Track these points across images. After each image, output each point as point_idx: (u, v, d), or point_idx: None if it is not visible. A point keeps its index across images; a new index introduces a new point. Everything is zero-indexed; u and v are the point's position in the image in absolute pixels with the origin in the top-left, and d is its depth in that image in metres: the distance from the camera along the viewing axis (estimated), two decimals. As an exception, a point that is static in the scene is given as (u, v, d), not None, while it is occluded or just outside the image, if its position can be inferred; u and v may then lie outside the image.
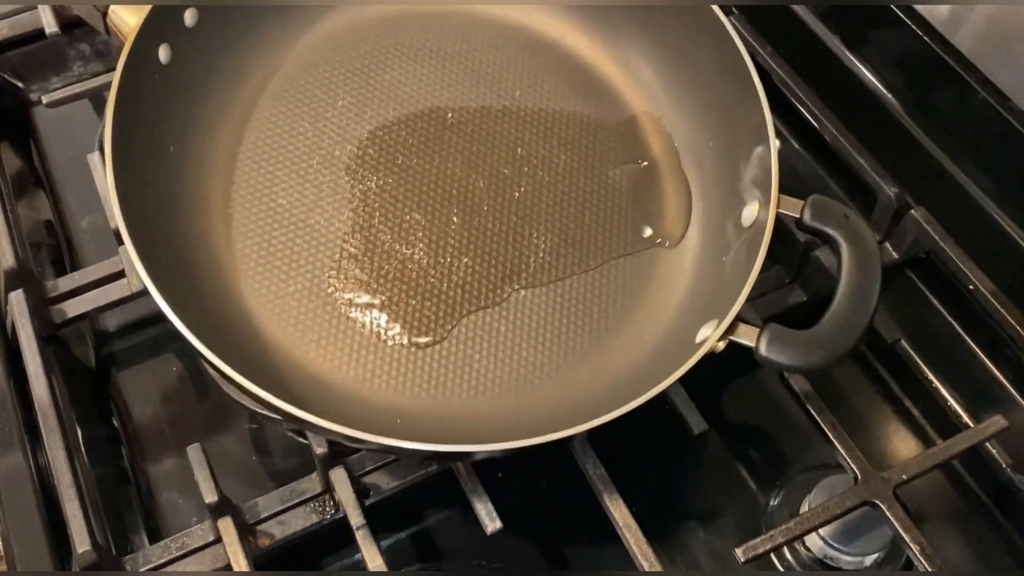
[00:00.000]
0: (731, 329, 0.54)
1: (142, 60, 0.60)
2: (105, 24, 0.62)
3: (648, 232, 0.65)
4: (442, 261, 0.62)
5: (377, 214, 0.63)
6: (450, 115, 0.68)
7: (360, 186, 0.65)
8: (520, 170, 0.66)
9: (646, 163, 0.67)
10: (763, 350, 0.53)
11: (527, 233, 0.64)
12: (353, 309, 0.60)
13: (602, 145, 0.67)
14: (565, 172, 0.66)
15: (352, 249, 0.62)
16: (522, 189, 0.65)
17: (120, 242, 0.59)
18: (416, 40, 0.71)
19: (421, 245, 0.63)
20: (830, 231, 0.56)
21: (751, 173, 0.60)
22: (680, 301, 0.62)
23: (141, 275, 0.52)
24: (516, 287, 0.62)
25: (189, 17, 0.64)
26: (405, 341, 0.59)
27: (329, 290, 0.61)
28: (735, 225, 0.60)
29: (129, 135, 0.58)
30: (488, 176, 0.65)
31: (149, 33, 0.61)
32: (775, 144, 0.58)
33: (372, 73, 0.69)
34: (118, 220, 0.54)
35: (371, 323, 0.60)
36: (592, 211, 0.65)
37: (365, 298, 0.61)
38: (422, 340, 0.60)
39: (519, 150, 0.67)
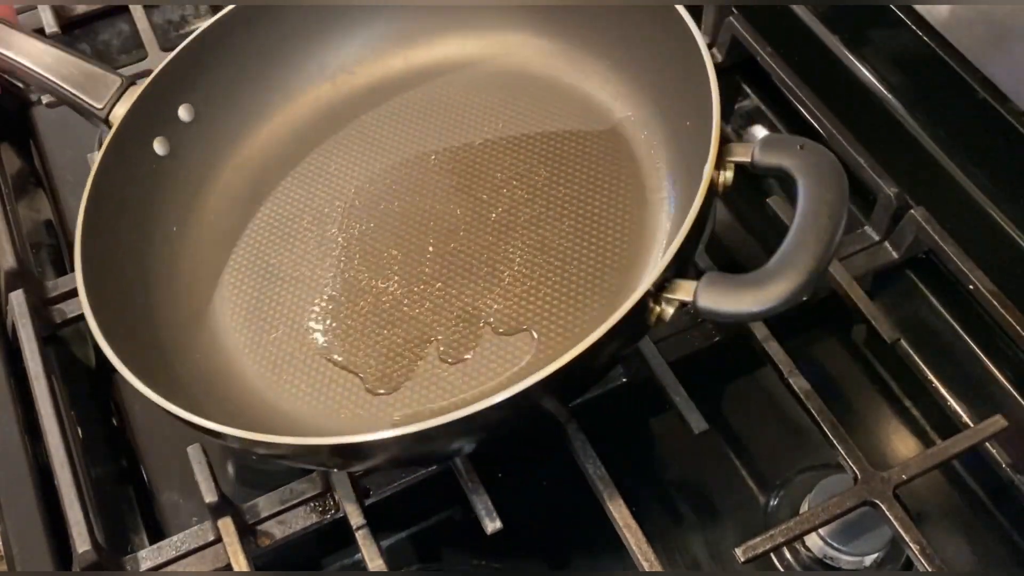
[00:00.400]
0: (668, 286, 0.49)
1: (130, 153, 0.64)
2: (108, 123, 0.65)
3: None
4: (416, 289, 0.63)
5: (357, 256, 0.66)
6: (433, 158, 0.70)
7: (344, 234, 0.67)
8: (499, 192, 0.67)
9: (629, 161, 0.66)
10: (700, 301, 0.48)
11: (502, 249, 0.64)
12: (327, 347, 0.62)
13: (583, 155, 0.67)
14: (544, 186, 0.66)
15: (332, 292, 0.64)
16: (499, 210, 0.66)
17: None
18: (404, 99, 0.73)
19: (396, 278, 0.64)
20: (783, 164, 0.51)
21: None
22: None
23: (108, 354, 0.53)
24: (489, 302, 0.62)
25: (184, 113, 0.68)
26: (371, 383, 0.60)
27: (308, 333, 0.63)
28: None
29: (119, 223, 0.62)
30: (466, 204, 0.66)
31: (137, 128, 0.65)
32: (717, 100, 0.55)
33: (361, 135, 0.72)
34: (86, 309, 0.56)
35: (343, 359, 0.61)
36: (571, 218, 0.64)
37: (339, 335, 0.62)
38: (381, 391, 0.60)
39: (498, 175, 0.67)
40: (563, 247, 0.63)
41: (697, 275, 0.49)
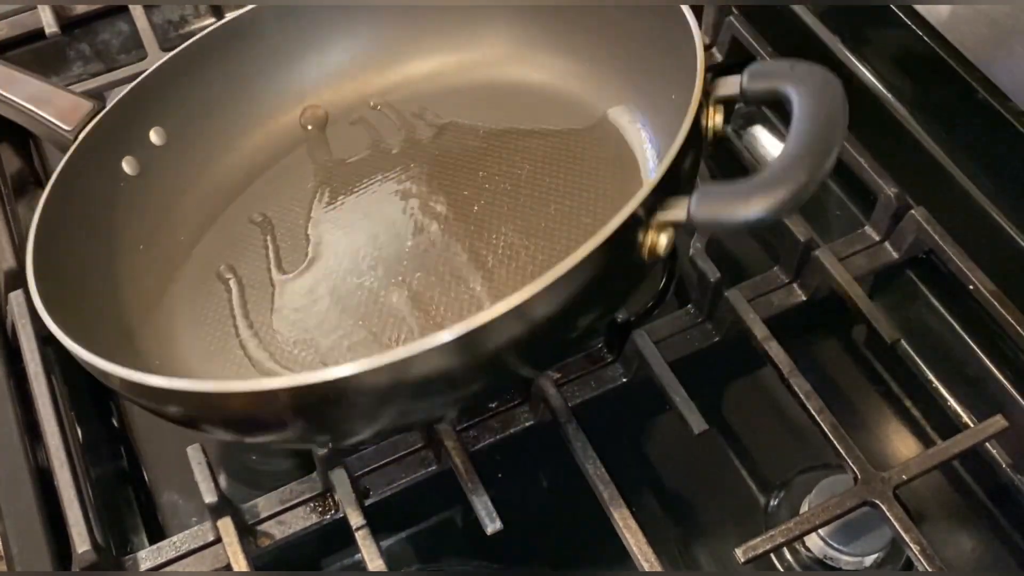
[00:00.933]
0: (660, 207, 0.46)
1: (93, 170, 0.63)
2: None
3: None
4: (393, 281, 0.61)
5: (331, 252, 0.64)
6: (412, 165, 0.69)
7: (316, 230, 0.66)
8: (481, 188, 0.65)
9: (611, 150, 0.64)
10: (696, 214, 0.45)
11: (485, 237, 0.62)
12: (300, 345, 0.60)
13: (570, 150, 0.66)
14: (528, 179, 0.65)
15: (305, 289, 0.63)
16: (482, 203, 0.64)
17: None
18: (379, 115, 0.72)
19: (373, 272, 0.62)
20: (775, 85, 0.49)
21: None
22: None
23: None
24: (472, 285, 0.59)
25: (156, 137, 0.67)
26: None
27: (278, 335, 0.61)
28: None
29: (79, 238, 0.61)
30: (447, 200, 0.65)
31: (104, 146, 0.64)
32: (700, 40, 0.53)
33: (338, 153, 0.71)
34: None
35: (320, 356, 0.59)
36: (557, 203, 0.62)
37: (313, 330, 0.60)
38: None
39: (480, 173, 0.66)
40: (549, 230, 0.60)
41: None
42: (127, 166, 0.66)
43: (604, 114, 0.67)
